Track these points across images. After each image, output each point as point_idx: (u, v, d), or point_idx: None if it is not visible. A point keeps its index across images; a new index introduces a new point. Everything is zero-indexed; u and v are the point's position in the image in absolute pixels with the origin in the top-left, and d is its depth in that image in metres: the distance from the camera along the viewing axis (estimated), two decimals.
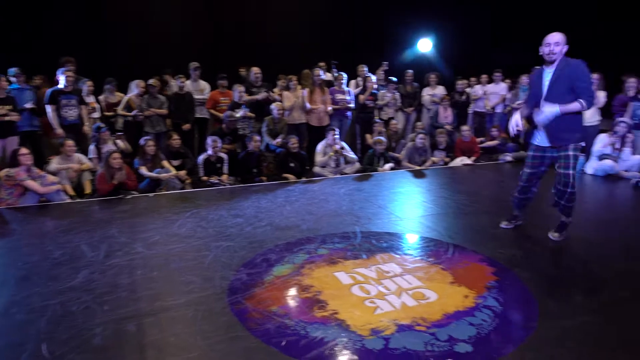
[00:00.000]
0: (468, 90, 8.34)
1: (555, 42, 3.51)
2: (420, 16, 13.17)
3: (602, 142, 6.41)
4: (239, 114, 6.56)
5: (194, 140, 7.22)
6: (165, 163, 5.84)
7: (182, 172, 5.91)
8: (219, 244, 3.87)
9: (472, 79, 8.59)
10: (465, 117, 8.29)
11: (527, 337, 2.47)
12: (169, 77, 7.47)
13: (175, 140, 6.13)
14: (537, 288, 3.02)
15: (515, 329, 2.57)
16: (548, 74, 3.59)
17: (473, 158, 7.22)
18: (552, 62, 3.55)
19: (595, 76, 6.83)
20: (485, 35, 13.59)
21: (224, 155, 6.15)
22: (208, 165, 6.03)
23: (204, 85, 7.22)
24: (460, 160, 7.20)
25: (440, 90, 8.30)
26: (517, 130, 3.95)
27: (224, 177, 6.03)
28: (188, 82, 7.03)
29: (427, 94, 8.30)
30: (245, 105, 6.69)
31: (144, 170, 5.67)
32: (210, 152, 6.02)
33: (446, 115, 7.90)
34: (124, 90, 7.05)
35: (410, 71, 8.42)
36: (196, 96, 6.99)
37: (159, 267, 3.42)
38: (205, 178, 5.95)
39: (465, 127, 7.47)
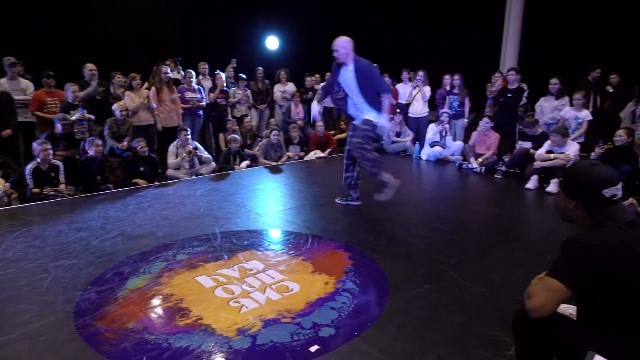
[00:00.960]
0: (316, 87, 8.74)
1: (336, 49, 4.13)
2: (266, 14, 13.39)
3: (431, 131, 7.31)
4: (74, 116, 5.84)
5: (19, 148, 6.23)
6: None
7: (6, 186, 5.05)
8: (59, 263, 3.42)
9: (317, 75, 9.01)
10: None
11: (382, 311, 2.71)
12: None
13: None
14: (387, 266, 3.32)
15: (371, 306, 2.79)
16: (348, 72, 4.19)
17: (328, 150, 7.60)
18: (344, 63, 4.17)
19: (420, 73, 7.76)
20: (327, 32, 14.34)
21: (58, 163, 5.41)
22: (38, 175, 5.23)
23: (26, 83, 6.27)
24: (314, 154, 7.53)
25: (290, 87, 8.55)
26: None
27: (61, 187, 5.31)
28: (3, 80, 6.04)
29: (278, 90, 8.48)
30: (83, 106, 5.99)
31: None
32: (39, 159, 5.23)
33: (298, 111, 8.18)
34: None
35: (261, 68, 8.50)
36: (16, 97, 6.03)
37: None
38: (36, 190, 5.17)
39: (319, 123, 7.81)
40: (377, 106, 4.25)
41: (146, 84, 6.87)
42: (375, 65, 4.64)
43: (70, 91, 5.93)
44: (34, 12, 10.16)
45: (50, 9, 10.42)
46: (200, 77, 7.72)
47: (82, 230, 4.15)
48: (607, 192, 1.62)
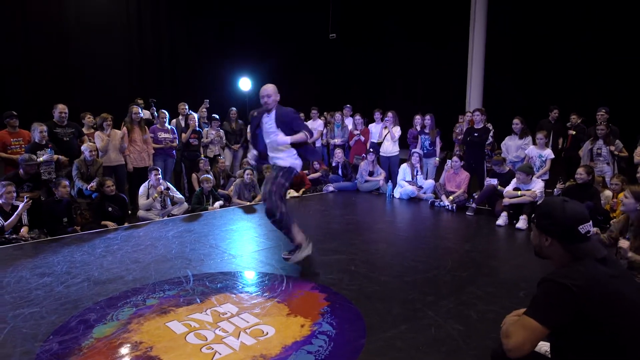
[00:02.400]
0: None
1: (267, 94, 4.04)
2: (239, 56, 13.68)
3: (403, 170, 7.45)
4: (42, 157, 5.69)
5: None
6: None
7: None
8: (18, 312, 3.24)
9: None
10: None
11: (359, 354, 2.65)
12: None
13: None
14: (363, 306, 3.29)
15: (348, 349, 2.73)
16: (269, 119, 4.07)
17: (302, 190, 7.62)
18: (269, 110, 4.10)
19: (389, 114, 7.99)
20: (298, 73, 14.75)
21: (20, 204, 5.20)
22: (3, 216, 5.02)
23: None
24: (288, 194, 7.52)
25: None
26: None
27: (24, 231, 5.10)
28: None
29: None
30: (52, 148, 5.84)
31: None
32: (2, 201, 5.03)
33: None
34: None
35: (234, 109, 8.58)
36: None
37: None
38: (8, 226, 4.92)
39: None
40: (290, 155, 4.13)
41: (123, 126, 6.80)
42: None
43: (38, 131, 5.79)
44: (5, 51, 10.09)
45: (25, 48, 10.38)
46: (180, 117, 7.70)
47: (46, 275, 3.97)
48: (582, 229, 1.65)
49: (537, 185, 5.74)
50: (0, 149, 5.81)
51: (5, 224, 4.92)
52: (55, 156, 5.84)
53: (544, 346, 1.90)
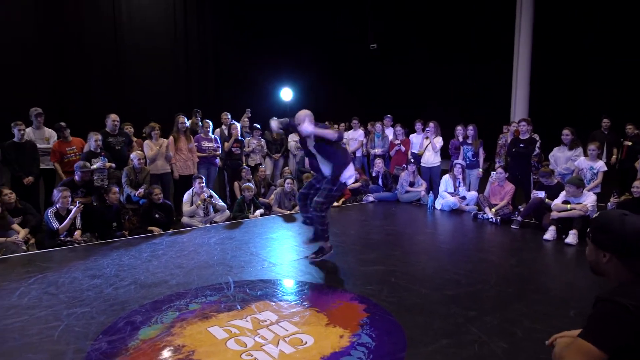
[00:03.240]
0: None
1: (299, 121, 4.26)
2: (281, 67, 13.91)
3: (445, 181, 7.31)
4: (96, 164, 6.00)
5: (39, 195, 6.37)
6: (15, 226, 5.03)
7: (24, 231, 5.12)
8: (72, 311, 3.40)
9: (334, 126, 9.20)
10: None
11: None
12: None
13: (7, 195, 5.27)
14: (403, 319, 3.23)
15: None
16: (310, 140, 4.34)
17: (342, 200, 7.61)
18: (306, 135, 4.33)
19: (431, 124, 7.88)
20: (340, 84, 14.85)
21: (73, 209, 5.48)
22: (59, 219, 5.31)
23: (50, 132, 6.50)
24: None
25: None
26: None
27: (77, 234, 5.37)
28: (29, 130, 6.27)
29: (292, 140, 8.64)
30: (104, 155, 6.15)
31: None
32: (58, 205, 5.32)
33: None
34: None
35: (275, 119, 8.70)
36: (40, 145, 6.24)
37: None
38: (63, 229, 5.20)
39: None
40: (335, 160, 4.36)
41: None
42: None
43: (93, 140, 6.11)
44: (61, 64, 10.72)
45: (81, 62, 10.99)
46: (223, 127, 7.90)
47: (97, 277, 4.15)
48: None
49: (589, 199, 5.47)
50: (57, 159, 6.17)
51: (60, 227, 5.20)
52: (108, 164, 6.13)
53: None
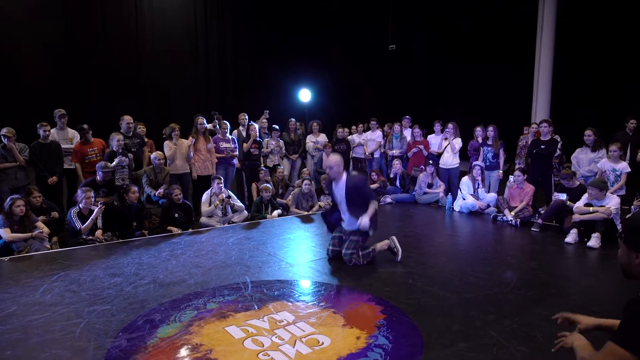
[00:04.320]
0: (348, 138, 8.89)
1: (329, 166, 4.50)
2: (299, 68, 13.95)
3: (464, 183, 7.22)
4: (114, 161, 6.10)
5: (62, 194, 6.53)
6: (40, 224, 5.17)
7: (47, 230, 5.24)
8: (93, 308, 3.47)
9: (352, 127, 9.19)
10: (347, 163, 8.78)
11: None
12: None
13: (35, 198, 5.45)
14: (420, 321, 3.21)
15: None
16: (339, 188, 4.52)
17: None
18: (335, 180, 4.53)
19: (450, 125, 7.81)
20: (358, 86, 14.82)
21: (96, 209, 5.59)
22: (81, 219, 5.43)
23: (73, 133, 6.64)
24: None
25: (322, 138, 8.72)
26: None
27: (98, 233, 5.48)
28: (53, 131, 6.43)
29: (310, 141, 8.65)
30: (122, 153, 6.26)
31: (4, 233, 4.89)
32: (82, 205, 5.44)
33: None
34: None
35: (293, 119, 8.75)
36: (64, 145, 6.39)
37: (14, 344, 2.93)
38: (86, 228, 5.32)
39: (353, 173, 7.82)
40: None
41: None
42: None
43: (115, 140, 6.22)
44: (87, 68, 10.95)
45: (105, 63, 11.22)
46: (241, 127, 7.96)
47: (117, 275, 4.23)
48: None
49: (612, 202, 5.35)
50: (79, 159, 6.28)
51: (82, 227, 5.31)
52: (123, 158, 6.19)
53: None
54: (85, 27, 10.80)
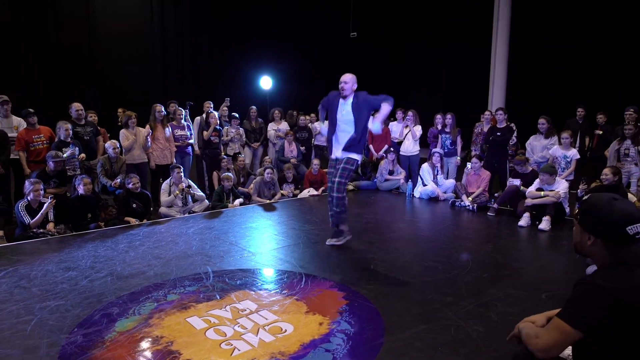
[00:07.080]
0: (310, 125, 8.86)
1: (344, 81, 4.41)
2: (260, 55, 13.75)
3: (424, 170, 7.38)
4: (66, 153, 5.83)
5: (10, 185, 6.18)
6: None
7: None
8: (45, 304, 3.33)
9: (312, 115, 9.16)
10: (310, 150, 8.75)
11: (377, 353, 2.64)
12: None
13: None
14: (381, 306, 3.27)
15: (366, 348, 2.72)
16: (347, 105, 4.42)
17: (322, 189, 7.61)
18: (345, 97, 4.42)
19: (410, 113, 7.93)
20: (318, 72, 14.77)
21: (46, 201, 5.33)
22: (30, 212, 5.16)
23: (18, 121, 6.26)
24: (308, 192, 7.54)
25: (284, 126, 8.65)
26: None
27: (50, 226, 5.23)
28: None
29: (272, 129, 8.57)
30: (74, 144, 5.98)
31: None
32: (30, 198, 5.17)
33: (291, 149, 8.25)
34: None
35: (254, 107, 8.63)
36: (10, 134, 6.04)
37: None
38: (36, 223, 5.05)
39: (316, 161, 7.82)
40: (359, 148, 4.50)
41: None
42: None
43: (63, 129, 5.93)
44: (34, 53, 10.36)
45: (54, 49, 10.63)
46: (203, 115, 7.75)
47: (71, 269, 4.07)
48: (631, 230, 1.52)
49: (561, 186, 5.61)
50: (23, 147, 5.93)
51: (32, 221, 5.05)
52: (81, 155, 5.98)
53: (566, 350, 1.85)
54: (30, 5, 10.16)
